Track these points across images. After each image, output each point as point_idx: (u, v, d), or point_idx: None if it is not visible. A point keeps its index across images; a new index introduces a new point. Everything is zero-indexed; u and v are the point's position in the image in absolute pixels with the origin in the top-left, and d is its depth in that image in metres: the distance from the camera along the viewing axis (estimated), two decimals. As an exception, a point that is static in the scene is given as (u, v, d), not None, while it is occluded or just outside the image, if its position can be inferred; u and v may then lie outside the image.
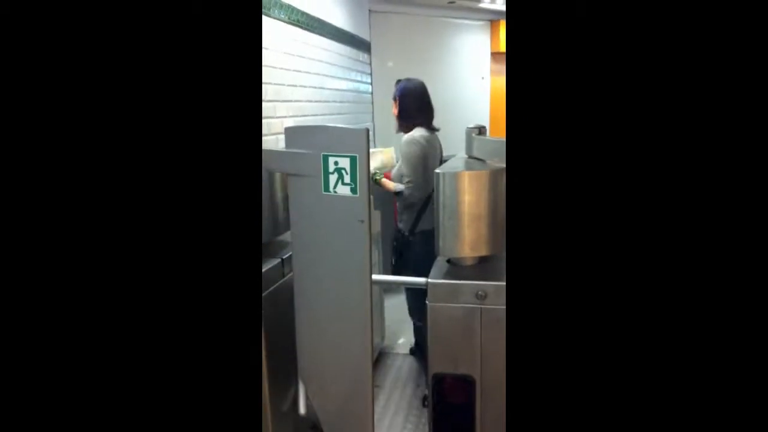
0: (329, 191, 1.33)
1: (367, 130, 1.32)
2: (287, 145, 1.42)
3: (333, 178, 1.32)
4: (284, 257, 1.79)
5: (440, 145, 2.67)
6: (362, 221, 1.30)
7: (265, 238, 1.78)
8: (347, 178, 1.30)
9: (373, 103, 4.04)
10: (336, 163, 1.31)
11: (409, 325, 3.48)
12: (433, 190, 1.97)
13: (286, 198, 1.81)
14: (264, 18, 2.35)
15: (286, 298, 1.60)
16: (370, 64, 4.03)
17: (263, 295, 1.64)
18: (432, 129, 2.63)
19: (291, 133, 1.42)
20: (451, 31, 4.62)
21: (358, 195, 1.30)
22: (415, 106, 2.59)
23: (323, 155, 1.32)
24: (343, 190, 1.31)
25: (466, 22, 4.84)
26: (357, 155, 1.29)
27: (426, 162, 2.50)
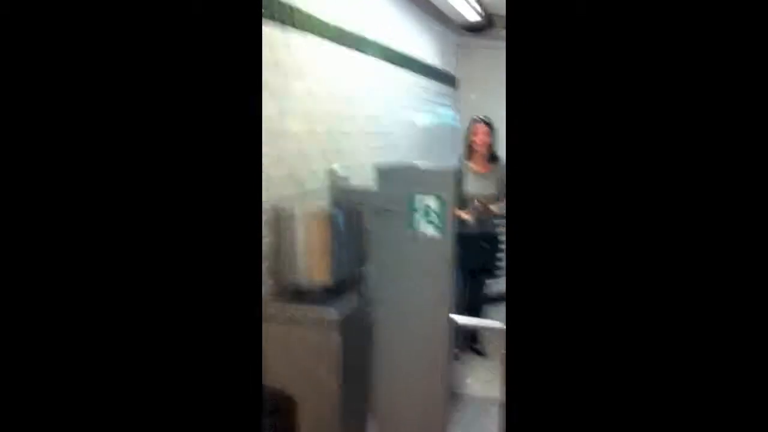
0: (414, 229, 1.34)
1: (456, 171, 1.33)
2: (376, 182, 1.45)
3: (419, 216, 1.33)
4: (362, 290, 1.81)
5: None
6: (446, 261, 1.30)
7: (344, 271, 1.81)
8: (433, 218, 1.31)
9: (460, 136, 4.06)
10: (423, 201, 1.32)
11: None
12: None
13: (367, 232, 1.85)
14: (357, 54, 2.44)
15: (361, 330, 1.61)
16: (457, 98, 4.06)
17: (339, 322, 1.65)
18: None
19: (380, 170, 1.45)
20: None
21: (443, 235, 1.30)
22: None
23: (410, 194, 1.33)
24: (428, 229, 1.32)
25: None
26: (444, 194, 1.30)
27: None
